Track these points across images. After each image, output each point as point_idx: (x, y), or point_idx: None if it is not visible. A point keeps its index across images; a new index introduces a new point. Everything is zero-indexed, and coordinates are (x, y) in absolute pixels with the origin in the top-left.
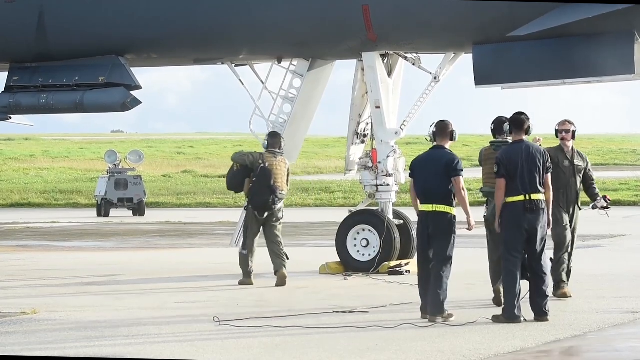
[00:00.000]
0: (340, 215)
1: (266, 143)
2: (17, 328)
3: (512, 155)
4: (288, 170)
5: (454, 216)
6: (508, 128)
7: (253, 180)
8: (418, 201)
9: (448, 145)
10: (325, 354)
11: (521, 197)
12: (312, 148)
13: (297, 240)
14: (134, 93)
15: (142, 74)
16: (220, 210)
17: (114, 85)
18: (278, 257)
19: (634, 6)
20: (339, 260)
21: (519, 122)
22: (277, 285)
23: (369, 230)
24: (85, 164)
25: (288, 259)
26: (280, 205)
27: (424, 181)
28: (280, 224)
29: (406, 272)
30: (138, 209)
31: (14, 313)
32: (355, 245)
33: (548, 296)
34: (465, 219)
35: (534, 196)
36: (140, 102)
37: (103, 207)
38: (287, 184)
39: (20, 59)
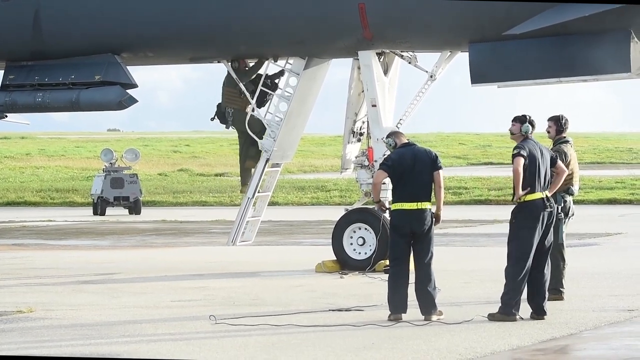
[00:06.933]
0: (336, 213)
1: None
2: (13, 327)
3: (532, 152)
4: None
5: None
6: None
7: None
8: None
9: None
10: (321, 352)
11: (540, 195)
12: (308, 146)
13: (294, 239)
14: (130, 91)
15: (134, 73)
16: (216, 208)
17: (110, 84)
18: None
19: (630, 5)
20: (335, 258)
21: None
22: None
23: (365, 229)
24: (81, 163)
25: None
26: None
27: (413, 179)
28: None
29: None
30: (134, 208)
31: (10, 312)
32: (351, 244)
33: (547, 295)
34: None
35: (547, 193)
36: (137, 101)
37: (99, 206)
38: None
39: (16, 57)
